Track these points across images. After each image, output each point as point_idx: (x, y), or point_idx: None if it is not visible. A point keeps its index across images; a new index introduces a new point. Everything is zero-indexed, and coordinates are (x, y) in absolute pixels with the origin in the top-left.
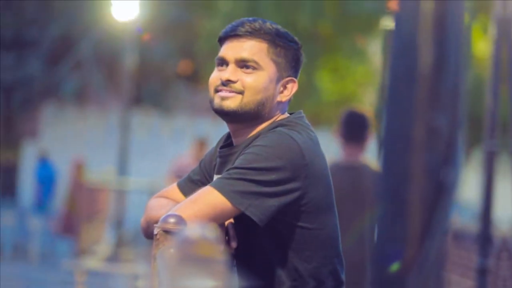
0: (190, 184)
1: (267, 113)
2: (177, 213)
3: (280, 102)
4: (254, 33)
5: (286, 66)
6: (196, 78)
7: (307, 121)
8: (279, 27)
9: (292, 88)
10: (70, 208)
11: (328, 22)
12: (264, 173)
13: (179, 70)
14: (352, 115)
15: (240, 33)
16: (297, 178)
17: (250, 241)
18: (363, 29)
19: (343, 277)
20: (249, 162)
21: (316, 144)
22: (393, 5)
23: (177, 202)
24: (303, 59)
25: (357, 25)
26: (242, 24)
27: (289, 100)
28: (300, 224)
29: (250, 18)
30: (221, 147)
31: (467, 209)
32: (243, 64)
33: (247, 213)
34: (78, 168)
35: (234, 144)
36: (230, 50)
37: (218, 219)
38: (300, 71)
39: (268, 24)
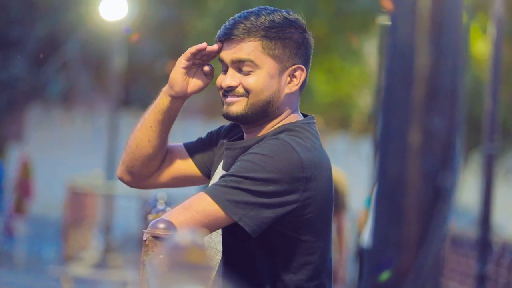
0: (196, 147)
1: (276, 109)
2: (169, 219)
3: (289, 94)
4: (246, 33)
5: (289, 55)
6: None
7: (316, 128)
8: (276, 15)
9: (300, 75)
10: (17, 207)
11: (322, 21)
12: (260, 184)
13: (169, 71)
14: None
15: (233, 36)
16: (295, 191)
17: (238, 246)
18: (358, 29)
19: None
20: (247, 170)
21: (320, 154)
22: (389, 4)
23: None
24: (312, 41)
25: (352, 24)
26: (234, 25)
27: (301, 88)
28: (292, 234)
29: (243, 14)
30: (229, 139)
31: (466, 214)
32: (241, 65)
33: (241, 223)
34: (24, 166)
35: (245, 138)
36: (226, 52)
37: (210, 227)
38: (311, 54)
39: (261, 18)
